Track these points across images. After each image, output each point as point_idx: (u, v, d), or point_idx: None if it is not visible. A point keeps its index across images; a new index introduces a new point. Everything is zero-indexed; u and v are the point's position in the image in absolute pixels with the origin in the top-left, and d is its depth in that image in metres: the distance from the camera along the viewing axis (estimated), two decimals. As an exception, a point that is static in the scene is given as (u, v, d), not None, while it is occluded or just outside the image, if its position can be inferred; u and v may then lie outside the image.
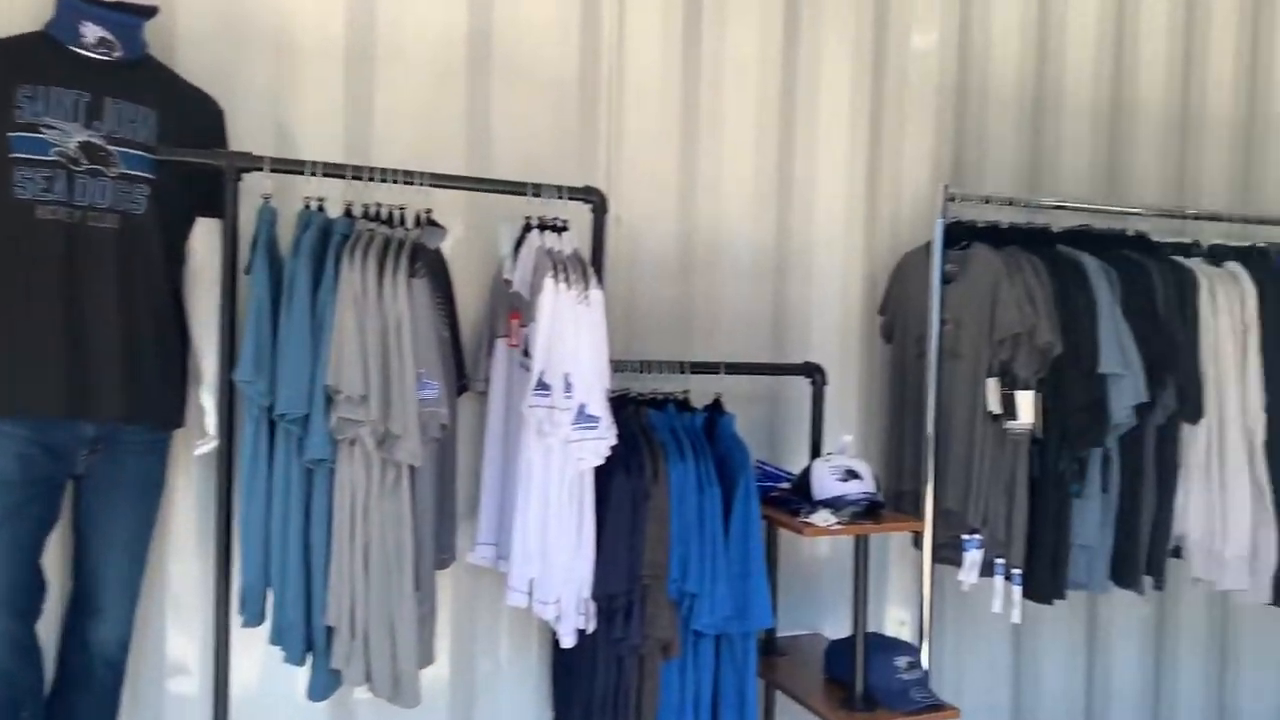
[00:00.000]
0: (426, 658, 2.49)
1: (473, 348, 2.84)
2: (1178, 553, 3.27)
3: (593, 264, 2.63)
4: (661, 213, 3.19)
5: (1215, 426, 3.18)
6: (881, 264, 3.41)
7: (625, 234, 3.10)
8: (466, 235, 2.92)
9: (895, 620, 3.50)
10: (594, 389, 2.44)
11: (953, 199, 3.09)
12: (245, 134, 2.64)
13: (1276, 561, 3.19)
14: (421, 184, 2.49)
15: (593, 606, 2.53)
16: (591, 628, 2.54)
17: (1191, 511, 3.18)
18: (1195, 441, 3.17)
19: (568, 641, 2.52)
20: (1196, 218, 3.45)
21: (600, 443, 2.45)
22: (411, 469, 2.35)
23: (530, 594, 2.51)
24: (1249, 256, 3.37)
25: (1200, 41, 3.85)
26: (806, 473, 2.80)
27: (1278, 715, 4.03)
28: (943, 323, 3.06)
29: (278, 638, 2.36)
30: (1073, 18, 3.67)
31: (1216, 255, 3.38)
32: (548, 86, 3.04)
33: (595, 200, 2.74)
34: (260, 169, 2.38)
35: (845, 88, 3.39)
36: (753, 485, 2.63)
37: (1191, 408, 3.12)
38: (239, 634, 2.44)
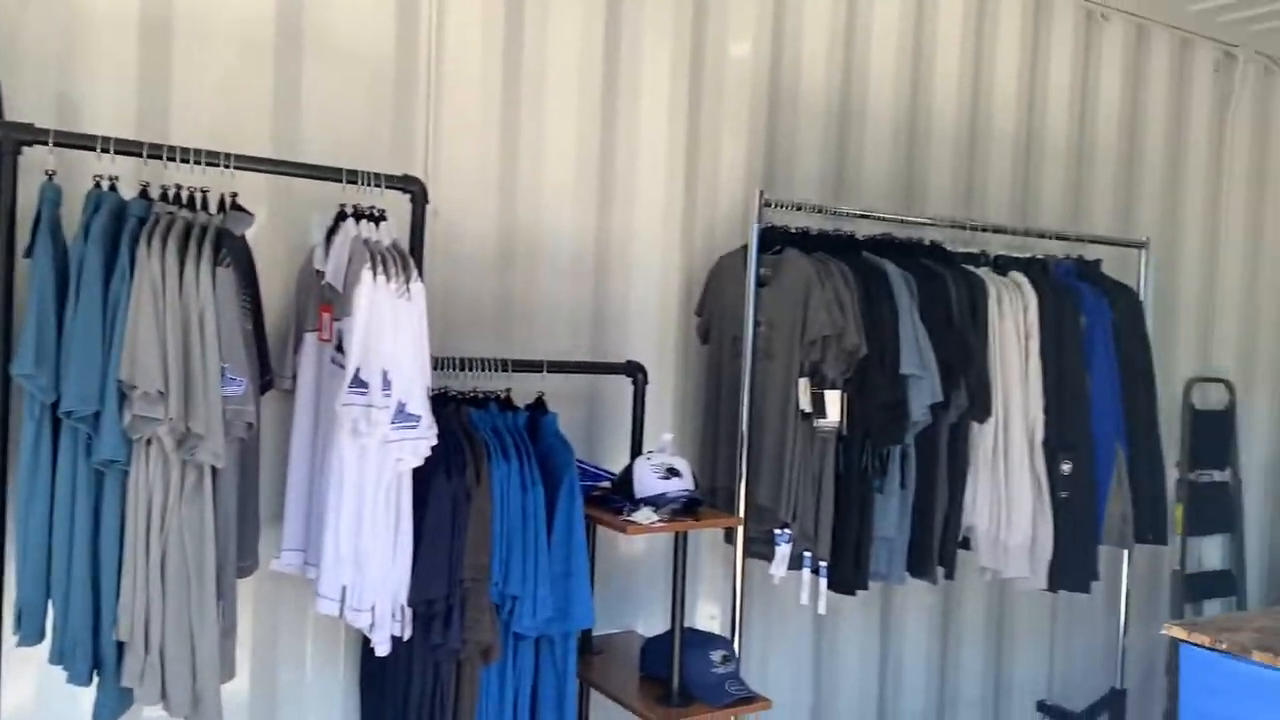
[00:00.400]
0: (228, 672, 2.33)
1: (278, 342, 2.69)
2: (966, 544, 3.48)
3: (411, 256, 2.53)
4: (481, 206, 3.12)
5: (1001, 425, 3.41)
6: (698, 265, 3.47)
7: (443, 226, 3.01)
8: (271, 222, 2.75)
9: (706, 615, 3.57)
10: (414, 386, 2.35)
11: (768, 204, 3.18)
12: (24, 104, 2.39)
13: (1051, 550, 3.45)
14: (228, 166, 2.33)
15: (409, 612, 2.44)
16: (408, 634, 2.45)
17: (979, 505, 3.40)
18: (983, 439, 3.39)
19: (383, 650, 2.42)
20: (984, 229, 3.70)
21: (420, 442, 2.37)
22: (214, 471, 2.20)
23: (343, 601, 2.40)
24: (1030, 267, 3.64)
25: (987, 65, 4.11)
26: (628, 471, 2.80)
27: (1046, 689, 4.37)
28: (757, 324, 3.14)
29: (59, 656, 2.15)
30: (876, 34, 3.83)
31: (1001, 265, 3.63)
32: (363, 68, 2.92)
33: (415, 190, 2.65)
34: (44, 143, 2.16)
35: (665, 90, 3.42)
36: (577, 484, 2.62)
37: (981, 407, 3.33)
38: (12, 653, 2.20)
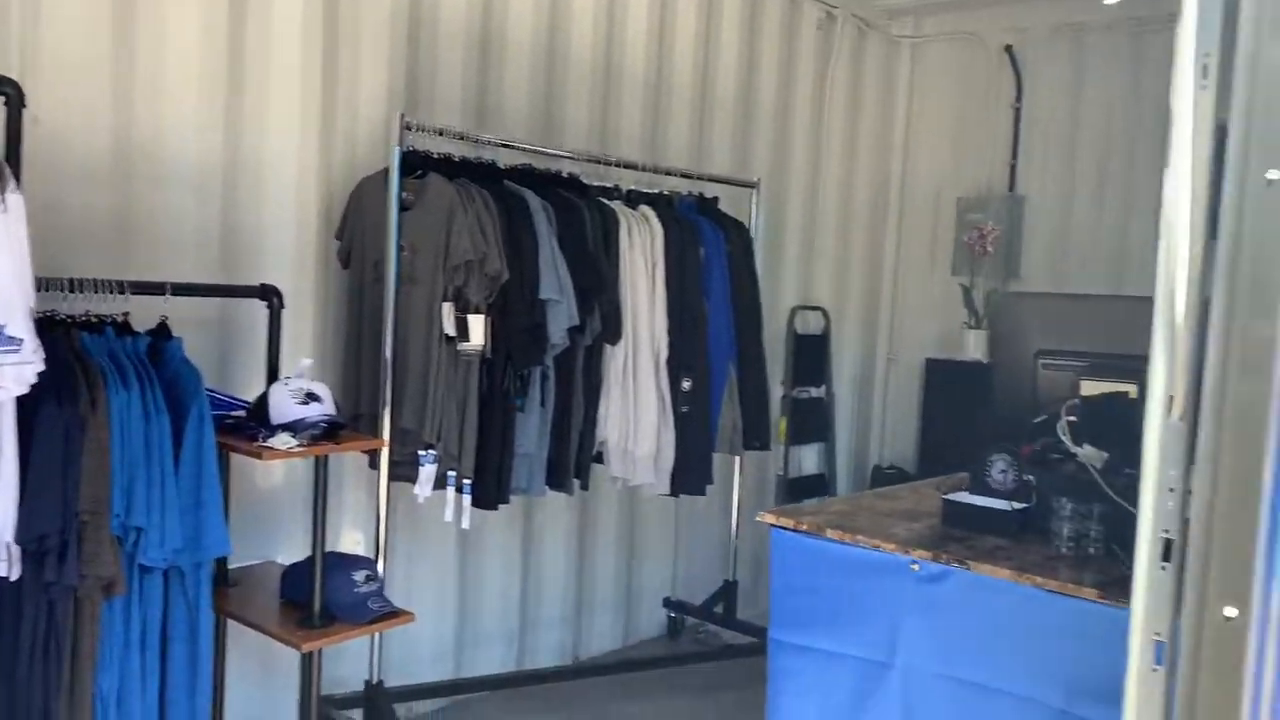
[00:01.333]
0: None
1: None
2: (600, 457, 3.75)
3: (8, 165, 2.29)
4: (92, 115, 2.87)
5: (630, 347, 3.69)
6: (338, 188, 3.40)
7: (45, 136, 2.73)
8: None
9: (351, 541, 3.58)
10: (15, 307, 2.16)
11: (409, 128, 3.18)
12: None
13: (673, 459, 3.80)
14: None
15: (17, 551, 2.27)
16: (16, 574, 2.27)
17: (611, 420, 3.67)
18: (615, 360, 3.65)
19: (-14, 593, 2.23)
20: (617, 164, 3.92)
21: (25, 368, 2.18)
22: None
23: (-66, 544, 2.18)
24: (656, 202, 3.92)
25: (620, 4, 4.31)
26: (264, 397, 2.74)
27: (671, 586, 4.82)
28: (400, 249, 3.16)
29: None
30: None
31: (632, 199, 3.88)
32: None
33: (9, 93, 2.39)
34: None
35: (298, 3, 3.29)
36: (206, 411, 2.53)
37: (613, 331, 3.58)
38: None
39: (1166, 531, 1.59)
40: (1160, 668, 1.58)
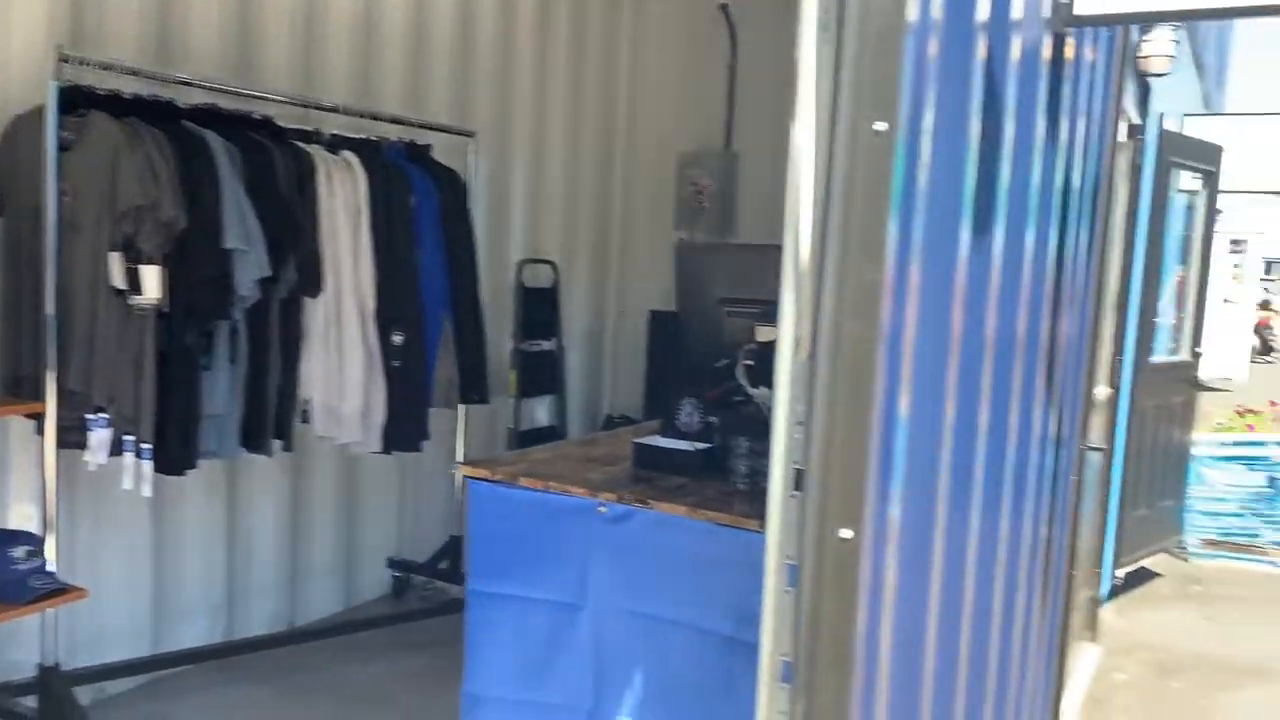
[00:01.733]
0: None
1: None
2: (305, 417, 3.59)
3: None
4: None
5: (333, 299, 3.54)
6: (-13, 126, 3.06)
7: None
8: None
9: (22, 515, 3.25)
10: None
11: (67, 60, 2.90)
12: None
13: (384, 415, 3.70)
14: None
15: None
16: None
17: (314, 377, 3.52)
18: (316, 313, 3.50)
19: None
20: (320, 109, 3.74)
21: None
22: None
23: None
24: (362, 147, 3.77)
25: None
26: (-114, 358, 2.44)
27: (397, 543, 4.73)
28: (61, 193, 2.88)
29: None
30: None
31: (335, 145, 3.70)
32: None
33: None
34: None
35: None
36: None
37: (311, 282, 3.42)
38: None
39: (797, 462, 1.70)
40: (793, 589, 1.69)
